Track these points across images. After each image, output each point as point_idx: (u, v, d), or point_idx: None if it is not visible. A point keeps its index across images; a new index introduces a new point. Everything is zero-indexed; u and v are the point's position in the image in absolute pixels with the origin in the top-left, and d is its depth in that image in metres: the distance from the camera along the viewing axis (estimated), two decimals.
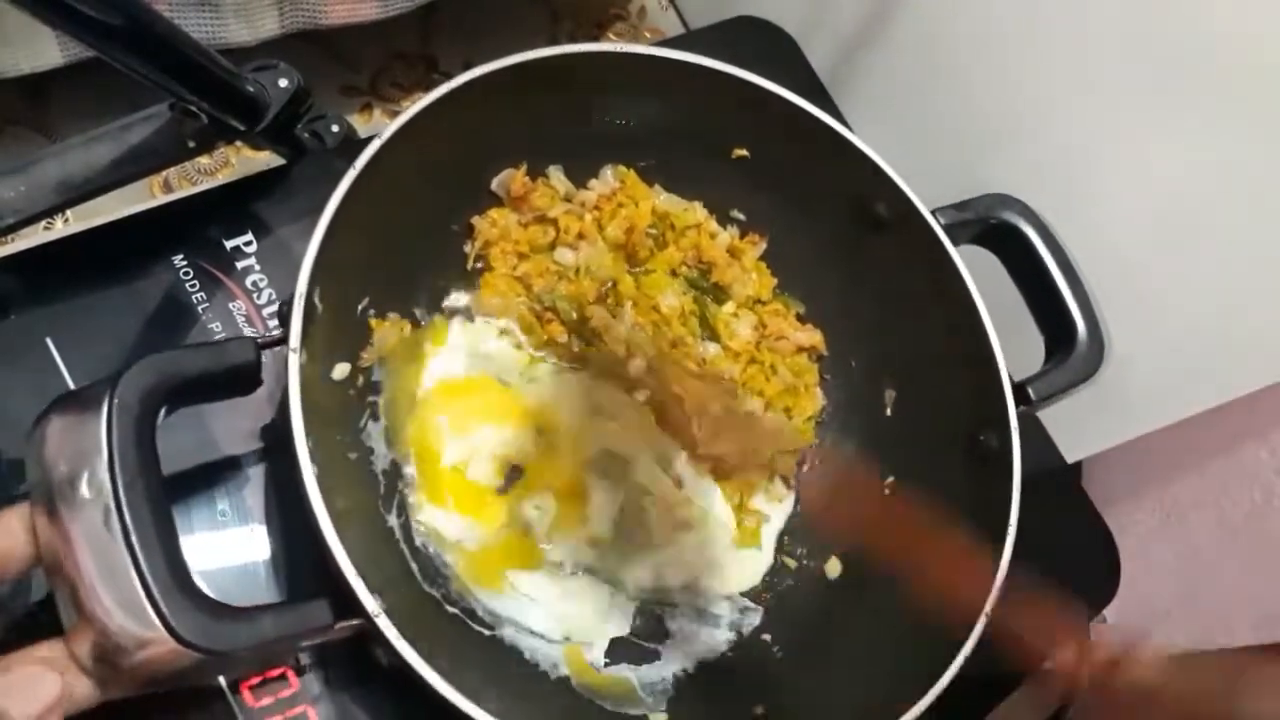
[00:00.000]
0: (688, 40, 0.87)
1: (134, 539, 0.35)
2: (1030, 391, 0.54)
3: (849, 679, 0.53)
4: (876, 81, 0.77)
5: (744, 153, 0.59)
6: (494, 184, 0.58)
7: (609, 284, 0.58)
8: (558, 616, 0.53)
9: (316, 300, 0.45)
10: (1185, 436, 0.62)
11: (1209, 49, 0.55)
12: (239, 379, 0.43)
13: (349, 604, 0.40)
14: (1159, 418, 0.62)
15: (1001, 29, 0.66)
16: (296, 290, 0.43)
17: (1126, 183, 0.61)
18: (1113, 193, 0.62)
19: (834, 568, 0.58)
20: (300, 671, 0.50)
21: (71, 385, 0.52)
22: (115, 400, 0.37)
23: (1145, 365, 0.61)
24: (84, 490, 0.36)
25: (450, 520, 0.54)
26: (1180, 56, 0.56)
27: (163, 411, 0.40)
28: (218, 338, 0.55)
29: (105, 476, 0.36)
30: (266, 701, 0.48)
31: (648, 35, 1.00)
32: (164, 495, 0.37)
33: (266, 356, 0.43)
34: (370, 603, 0.40)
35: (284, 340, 0.43)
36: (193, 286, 0.56)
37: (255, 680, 0.49)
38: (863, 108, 0.76)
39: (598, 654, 0.54)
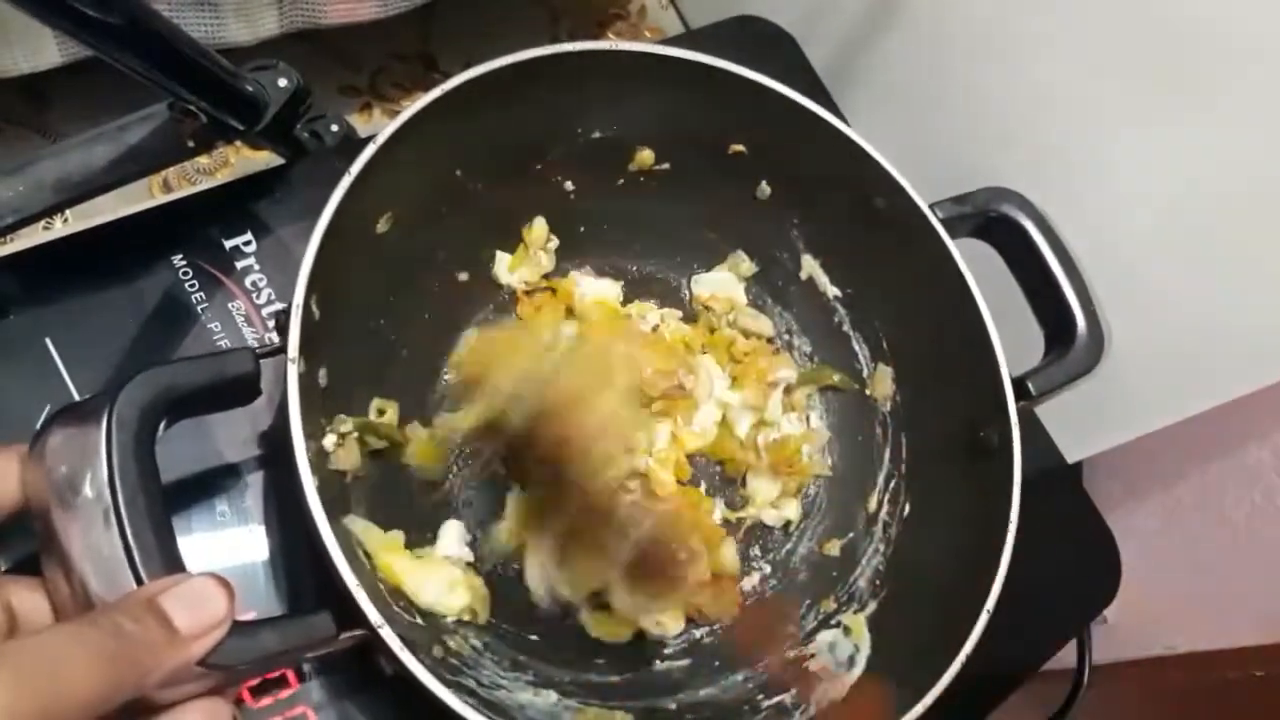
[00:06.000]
0: (688, 39, 0.87)
1: (136, 556, 0.35)
2: (1030, 386, 0.54)
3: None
4: (876, 79, 0.77)
5: (741, 148, 0.59)
6: None
7: None
8: None
9: (314, 307, 0.44)
10: (1186, 437, 0.62)
11: (1209, 44, 0.55)
12: (238, 390, 0.43)
13: (352, 615, 0.40)
14: (1160, 418, 0.62)
15: (1001, 26, 0.66)
16: (294, 300, 0.43)
17: (1126, 182, 0.61)
18: (1112, 192, 0.62)
19: (833, 548, 0.59)
20: (300, 674, 0.50)
21: (71, 385, 0.52)
22: (114, 416, 0.37)
23: (1146, 365, 0.61)
24: (86, 502, 0.35)
25: None
26: (1181, 53, 0.56)
27: (163, 425, 0.40)
28: (217, 338, 0.55)
29: (106, 491, 0.35)
30: (266, 702, 0.48)
31: (648, 34, 1.00)
32: (165, 509, 0.37)
33: (265, 363, 0.43)
34: (373, 614, 0.40)
35: (283, 350, 0.42)
36: (192, 286, 0.56)
37: (254, 681, 0.49)
38: (863, 105, 0.76)
39: None
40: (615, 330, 0.60)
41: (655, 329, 0.62)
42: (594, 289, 0.63)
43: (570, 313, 0.62)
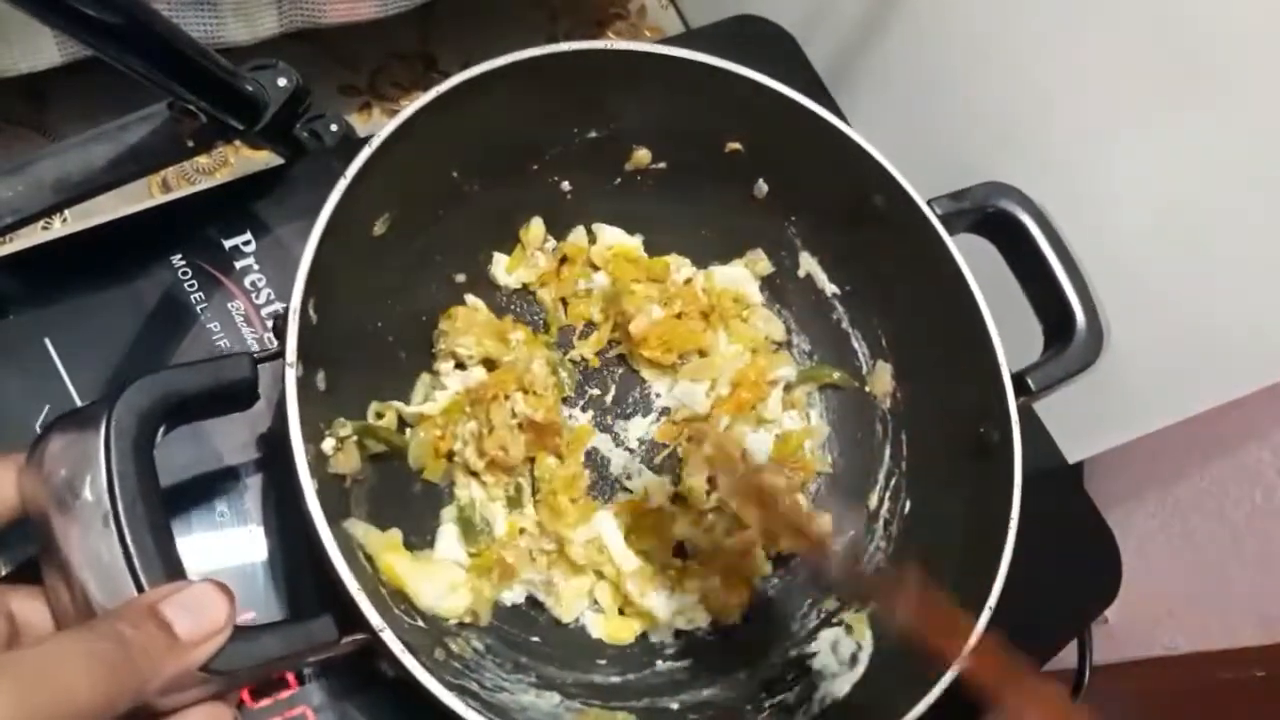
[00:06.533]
0: (688, 39, 0.87)
1: (136, 562, 0.35)
2: (1030, 382, 0.53)
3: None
4: (876, 78, 0.77)
5: (737, 146, 0.59)
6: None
7: None
8: None
9: (311, 311, 0.44)
10: (1186, 437, 0.62)
11: (1209, 43, 0.55)
12: (236, 395, 0.43)
13: (353, 619, 0.40)
14: (1160, 418, 0.62)
15: (1001, 25, 0.66)
16: (291, 304, 0.43)
17: (1127, 182, 0.61)
18: (1113, 192, 0.62)
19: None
20: (300, 676, 0.49)
21: (70, 385, 0.52)
22: (112, 422, 0.37)
23: (1146, 365, 0.61)
24: (85, 508, 0.36)
25: None
26: (1181, 52, 0.56)
27: (161, 431, 0.40)
28: (216, 338, 0.55)
29: (105, 498, 0.36)
30: (266, 703, 0.48)
31: (648, 33, 1.00)
32: (165, 515, 0.37)
33: (263, 368, 0.43)
34: (374, 618, 0.40)
35: (281, 354, 0.42)
36: (191, 286, 0.56)
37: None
38: (863, 104, 0.76)
39: None
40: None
41: (688, 281, 0.63)
42: (615, 237, 0.63)
43: (593, 266, 0.63)
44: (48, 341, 0.52)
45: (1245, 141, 0.55)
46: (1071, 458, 0.69)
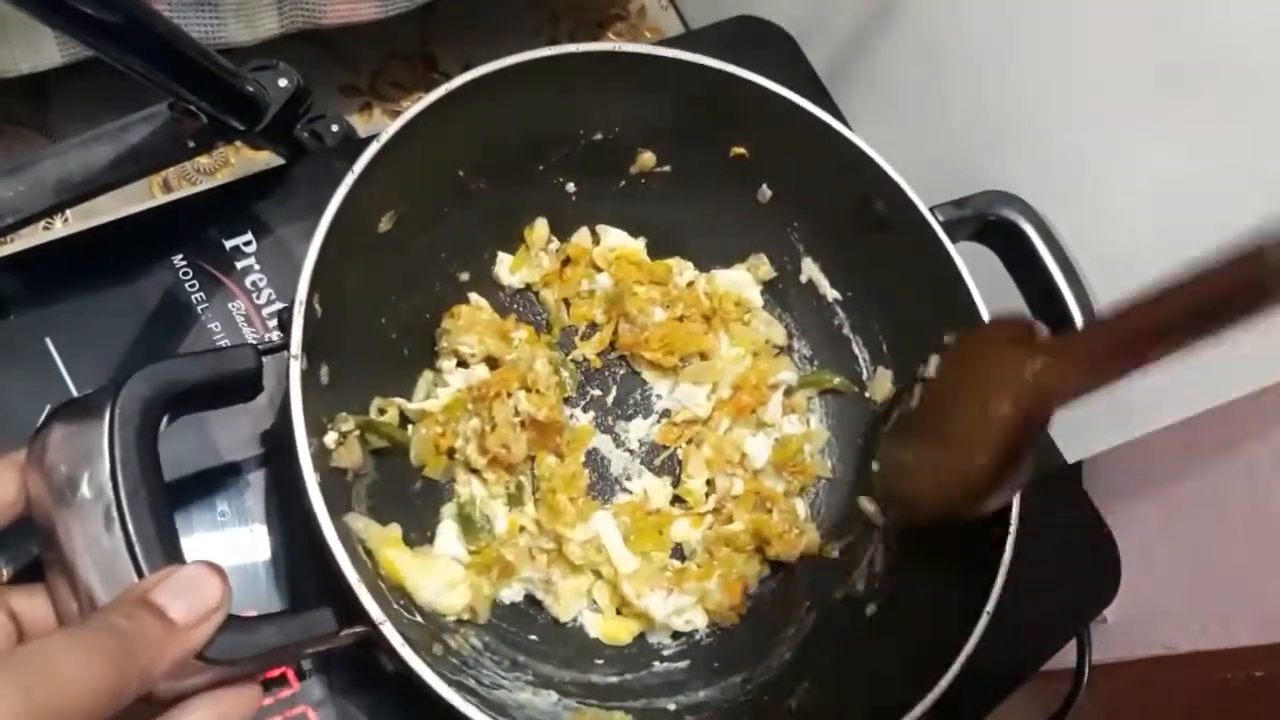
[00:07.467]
0: (688, 40, 0.87)
1: (137, 548, 0.35)
2: None
3: (852, 680, 0.52)
4: (876, 80, 0.77)
5: (742, 151, 0.59)
6: None
7: None
8: None
9: (316, 305, 0.44)
10: (1186, 436, 0.62)
11: (1208, 47, 0.55)
12: (241, 386, 0.43)
13: (353, 612, 0.40)
14: (1160, 418, 0.62)
15: (1001, 28, 0.66)
16: (297, 296, 0.43)
17: (1126, 181, 0.61)
18: (1112, 191, 0.62)
19: (832, 550, 0.59)
20: (300, 673, 0.50)
21: (71, 385, 0.52)
22: (117, 410, 0.37)
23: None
24: (86, 497, 0.36)
25: None
26: (1179, 54, 0.56)
27: (165, 420, 0.40)
28: (217, 338, 0.55)
29: (108, 485, 0.36)
30: (266, 702, 0.48)
31: (648, 35, 1.00)
32: (166, 503, 0.37)
33: (267, 362, 0.43)
34: (375, 610, 0.40)
35: (285, 346, 0.43)
36: (192, 286, 0.56)
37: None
38: (862, 106, 0.76)
39: None
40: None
41: (690, 284, 0.63)
42: (618, 239, 0.63)
43: (596, 267, 0.63)
44: (49, 341, 0.53)
45: (1245, 142, 0.55)
46: (1071, 457, 0.69)
